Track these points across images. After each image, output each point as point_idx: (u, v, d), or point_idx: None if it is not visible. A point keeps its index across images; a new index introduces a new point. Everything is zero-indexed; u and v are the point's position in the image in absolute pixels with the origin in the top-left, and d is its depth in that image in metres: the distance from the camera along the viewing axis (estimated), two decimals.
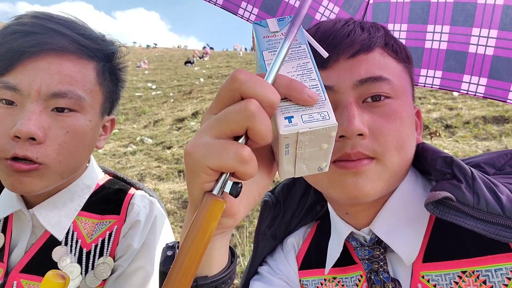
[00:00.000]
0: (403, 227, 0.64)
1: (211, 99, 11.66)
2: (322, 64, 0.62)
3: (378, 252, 0.65)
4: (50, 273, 0.46)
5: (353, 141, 0.57)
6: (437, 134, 5.59)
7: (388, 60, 0.63)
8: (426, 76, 1.19)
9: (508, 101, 1.06)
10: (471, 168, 0.62)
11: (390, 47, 0.65)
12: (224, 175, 0.38)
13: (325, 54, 0.51)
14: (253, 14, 1.32)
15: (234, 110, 0.37)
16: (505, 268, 0.55)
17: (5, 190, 0.86)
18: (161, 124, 9.17)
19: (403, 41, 1.22)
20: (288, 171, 0.44)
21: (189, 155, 0.39)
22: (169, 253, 0.51)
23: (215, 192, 0.38)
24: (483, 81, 1.09)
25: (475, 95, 1.13)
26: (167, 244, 0.54)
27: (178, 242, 0.53)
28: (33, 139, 0.70)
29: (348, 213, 0.69)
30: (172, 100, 11.29)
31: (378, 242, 0.65)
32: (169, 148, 6.84)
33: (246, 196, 0.45)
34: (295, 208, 0.83)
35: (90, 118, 0.79)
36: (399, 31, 1.21)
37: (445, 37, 1.12)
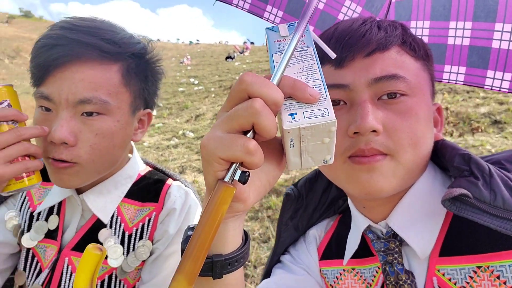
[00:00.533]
0: (418, 221, 0.65)
1: None
2: (338, 63, 0.65)
3: (393, 245, 0.67)
4: (90, 246, 0.53)
5: (367, 138, 0.60)
6: (480, 130, 5.28)
7: (405, 58, 0.64)
8: (450, 72, 1.19)
9: None
10: (489, 165, 0.62)
11: (407, 45, 0.65)
12: (234, 165, 0.44)
13: (332, 55, 0.55)
14: (278, 16, 1.38)
15: (242, 108, 0.42)
16: None
17: None
18: (202, 119, 9.43)
19: (426, 38, 1.22)
20: (295, 163, 0.48)
21: (204, 147, 0.44)
22: (190, 233, 0.56)
23: (226, 179, 0.44)
24: (508, 76, 1.07)
25: (499, 90, 1.11)
26: (189, 225, 0.60)
27: None
28: (66, 143, 0.79)
29: (365, 206, 0.72)
30: (213, 95, 11.53)
31: (393, 236, 0.68)
32: None
33: (256, 184, 0.50)
34: (317, 202, 0.87)
35: (118, 118, 0.85)
36: (422, 28, 1.22)
37: (468, 33, 1.11)
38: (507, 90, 1.09)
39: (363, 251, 0.74)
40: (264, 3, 1.37)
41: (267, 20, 1.40)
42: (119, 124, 0.86)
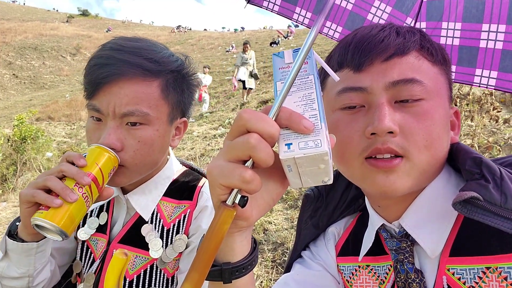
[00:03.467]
0: (429, 222, 0.67)
1: None
2: (357, 67, 0.66)
3: (405, 244, 0.69)
4: (118, 251, 0.62)
5: (384, 138, 0.61)
6: None
7: (423, 63, 0.65)
8: (481, 76, 1.15)
9: None
10: (501, 168, 0.63)
11: (425, 50, 0.67)
12: (234, 190, 0.49)
13: (336, 78, 0.58)
14: (307, 18, 1.40)
15: (240, 142, 0.47)
16: None
17: None
18: (247, 107, 9.54)
19: (457, 40, 1.18)
20: (296, 183, 0.51)
21: (209, 173, 0.50)
22: None
23: (228, 202, 0.49)
24: (494, 74, 1.04)
25: (486, 87, 1.07)
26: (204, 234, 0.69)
27: None
28: (114, 149, 0.88)
29: (380, 206, 0.75)
30: (258, 82, 11.58)
31: (405, 235, 0.70)
32: None
33: (259, 203, 0.55)
34: (338, 201, 0.90)
35: (157, 127, 0.94)
36: (453, 29, 1.18)
37: (501, 36, 1.07)
38: (493, 87, 1.06)
39: (377, 249, 0.76)
40: (293, 4, 1.39)
41: (296, 21, 1.42)
42: (158, 133, 0.96)
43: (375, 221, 0.76)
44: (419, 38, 0.67)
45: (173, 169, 1.12)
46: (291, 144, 0.47)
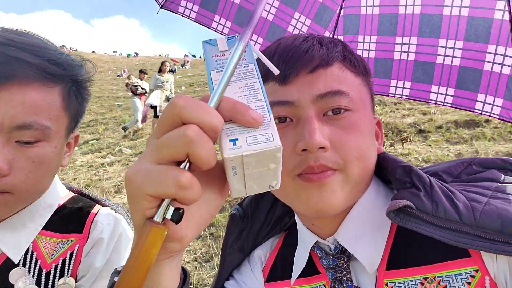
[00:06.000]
0: (365, 235, 0.65)
1: None
2: (283, 80, 0.63)
3: (342, 261, 0.66)
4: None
5: (316, 155, 0.59)
6: (408, 140, 5.69)
7: (346, 74, 0.65)
8: (396, 87, 1.21)
9: (475, 110, 1.09)
10: (429, 176, 0.64)
11: (348, 61, 0.66)
12: (165, 201, 0.38)
13: (276, 71, 0.51)
14: (226, 27, 1.33)
15: (174, 136, 0.37)
16: (465, 273, 0.57)
17: None
18: (141, 134, 9.06)
19: (373, 53, 1.24)
20: (239, 190, 0.44)
21: (129, 181, 0.38)
22: (116, 279, 0.50)
23: (156, 218, 0.38)
24: (451, 91, 1.12)
25: (443, 105, 1.15)
26: (115, 269, 0.53)
27: None
28: None
29: (314, 223, 0.70)
30: None
31: (342, 251, 0.67)
32: None
33: (195, 218, 0.44)
34: (263, 221, 0.84)
35: (56, 144, 0.77)
36: (369, 42, 1.24)
37: (413, 48, 1.15)
38: (450, 105, 1.14)
39: (310, 269, 0.72)
40: (212, 12, 1.31)
41: (215, 31, 1.34)
42: (56, 150, 0.77)
43: (308, 239, 0.72)
44: (341, 49, 0.67)
45: (57, 195, 0.91)
46: (237, 139, 0.39)
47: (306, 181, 0.60)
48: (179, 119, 0.37)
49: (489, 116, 1.07)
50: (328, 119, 0.62)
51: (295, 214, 0.78)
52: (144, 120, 9.66)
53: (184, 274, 0.52)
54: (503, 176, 0.63)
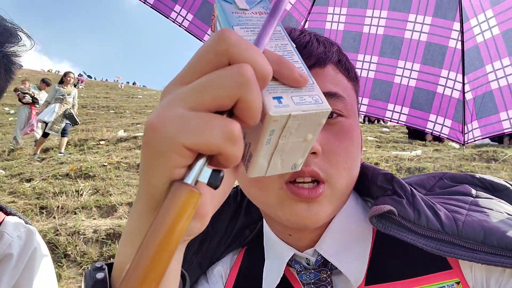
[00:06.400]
0: (349, 246, 0.61)
1: (85, 130, 10.58)
2: None
3: (325, 275, 0.61)
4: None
5: (307, 159, 0.52)
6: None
7: (341, 77, 0.61)
8: (361, 104, 1.25)
9: (426, 129, 1.17)
10: (409, 186, 0.63)
11: (342, 64, 0.63)
12: (201, 160, 0.31)
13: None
14: (187, 20, 1.22)
15: (224, 75, 0.29)
16: (447, 285, 0.55)
17: None
18: (19, 154, 7.81)
19: None
20: (261, 168, 0.38)
21: (155, 130, 0.30)
22: (100, 275, 0.41)
23: (188, 181, 0.30)
24: (405, 110, 1.19)
25: (397, 122, 1.22)
26: (92, 265, 0.44)
27: (108, 264, 0.42)
28: None
29: (291, 234, 0.64)
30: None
31: (323, 264, 0.61)
32: (28, 181, 5.79)
33: (215, 195, 0.37)
34: (223, 233, 0.75)
35: None
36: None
37: (373, 66, 1.20)
38: (404, 123, 1.21)
39: (284, 286, 0.65)
40: (173, 1, 1.19)
41: (173, 21, 1.21)
42: None
43: (283, 253, 0.65)
44: (337, 50, 0.64)
45: None
46: (282, 97, 0.34)
47: (296, 195, 0.54)
48: (225, 58, 0.30)
49: (439, 135, 1.16)
50: None
51: (264, 226, 0.71)
52: (29, 132, 8.35)
53: (183, 277, 0.44)
54: (474, 190, 0.64)
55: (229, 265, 0.74)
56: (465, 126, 1.13)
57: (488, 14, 0.99)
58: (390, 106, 1.20)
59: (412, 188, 0.62)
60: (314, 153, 0.53)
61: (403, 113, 1.20)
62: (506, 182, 0.68)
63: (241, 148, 0.31)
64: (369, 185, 0.65)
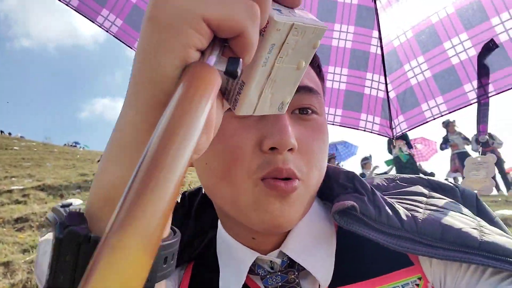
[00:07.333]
0: (315, 246, 0.59)
1: None
2: None
3: (292, 276, 0.57)
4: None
5: (284, 156, 0.51)
6: None
7: (314, 75, 0.61)
8: (328, 113, 1.29)
9: (359, 128, 1.27)
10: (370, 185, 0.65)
11: (314, 62, 0.62)
12: (218, 41, 0.28)
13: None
14: (116, 25, 1.13)
15: None
16: (411, 282, 0.56)
17: None
18: None
19: None
20: (250, 103, 0.36)
21: (166, 2, 0.26)
22: (69, 208, 0.34)
23: (208, 61, 0.27)
24: (339, 112, 1.28)
25: (333, 124, 1.30)
26: (56, 206, 0.38)
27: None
28: None
29: (255, 238, 0.59)
30: None
31: (289, 265, 0.58)
32: None
33: (212, 122, 0.33)
34: None
35: None
36: None
37: (344, 78, 1.27)
38: (339, 124, 1.29)
39: None
40: (100, 5, 1.10)
41: (100, 26, 1.11)
42: None
43: (243, 258, 0.60)
44: None
45: None
46: (281, 10, 0.34)
47: (272, 189, 0.51)
48: None
49: (371, 132, 1.26)
50: (297, 118, 0.56)
51: (218, 232, 0.66)
52: None
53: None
54: (426, 191, 0.67)
55: (176, 282, 0.65)
56: (392, 122, 1.25)
57: (401, 20, 1.16)
58: (325, 109, 1.27)
59: (372, 187, 0.62)
60: (291, 149, 0.51)
61: (337, 115, 1.28)
62: (451, 183, 0.72)
63: (258, 34, 0.28)
64: (330, 182, 0.63)
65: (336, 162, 9.18)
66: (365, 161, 8.64)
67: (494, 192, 7.80)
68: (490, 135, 7.83)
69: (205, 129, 0.28)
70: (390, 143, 7.67)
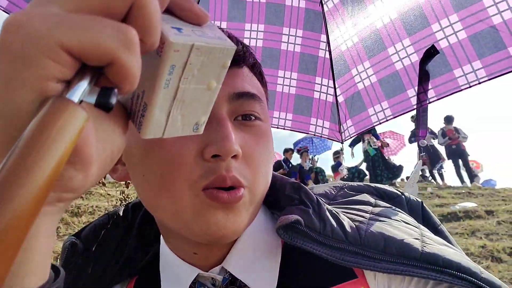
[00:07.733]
0: (258, 261, 0.58)
1: None
2: None
3: None
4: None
5: (227, 163, 0.49)
6: None
7: (256, 81, 0.59)
8: (279, 118, 1.28)
9: (309, 132, 1.27)
10: (316, 195, 0.63)
11: (257, 68, 0.60)
12: (86, 73, 0.25)
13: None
14: None
15: None
16: None
17: None
18: None
19: None
20: (158, 124, 0.33)
21: (19, 27, 0.23)
22: None
23: (71, 97, 0.24)
24: (290, 116, 1.27)
25: (284, 129, 1.29)
26: None
27: None
28: None
29: (197, 252, 0.58)
30: None
31: (231, 282, 0.57)
32: None
33: (100, 152, 0.31)
34: (111, 257, 0.65)
35: None
36: None
37: (294, 82, 1.26)
38: (290, 129, 1.28)
39: None
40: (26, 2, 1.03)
41: None
42: None
43: (184, 275, 0.59)
44: (251, 54, 0.61)
45: None
46: (182, 29, 0.31)
47: (214, 200, 0.49)
48: None
49: (320, 136, 1.26)
50: (240, 125, 0.54)
51: (161, 246, 0.63)
52: None
53: (55, 270, 0.35)
54: (373, 199, 0.67)
55: None
56: (341, 126, 1.25)
57: (348, 25, 1.15)
58: (276, 114, 1.26)
59: (318, 198, 0.61)
60: (235, 156, 0.49)
61: (287, 119, 1.26)
62: (397, 190, 0.73)
63: (138, 60, 0.25)
64: (277, 194, 0.62)
65: (311, 155, 9.34)
66: (337, 155, 8.86)
67: (458, 184, 8.12)
68: (456, 129, 8.13)
69: (78, 165, 0.26)
70: (359, 138, 7.86)
